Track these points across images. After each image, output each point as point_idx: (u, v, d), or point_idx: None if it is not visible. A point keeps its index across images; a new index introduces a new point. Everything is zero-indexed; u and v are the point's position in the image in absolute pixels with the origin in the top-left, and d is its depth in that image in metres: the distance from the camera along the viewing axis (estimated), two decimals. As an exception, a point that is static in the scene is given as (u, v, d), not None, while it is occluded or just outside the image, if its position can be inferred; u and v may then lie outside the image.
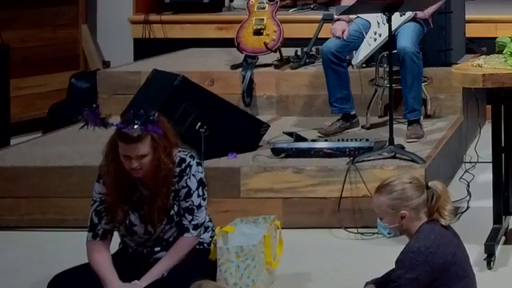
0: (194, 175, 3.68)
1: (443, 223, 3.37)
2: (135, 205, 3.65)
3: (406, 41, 5.45)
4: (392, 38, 5.25)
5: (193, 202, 3.68)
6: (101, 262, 3.60)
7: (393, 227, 3.37)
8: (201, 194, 3.70)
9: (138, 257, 3.71)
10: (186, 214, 3.67)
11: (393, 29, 5.23)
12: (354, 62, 5.65)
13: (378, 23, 5.56)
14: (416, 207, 3.35)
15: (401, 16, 5.52)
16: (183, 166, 3.68)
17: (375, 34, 5.55)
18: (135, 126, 3.52)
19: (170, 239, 3.69)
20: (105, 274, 3.56)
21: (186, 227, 3.68)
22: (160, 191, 3.60)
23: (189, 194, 3.67)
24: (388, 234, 3.41)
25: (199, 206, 3.69)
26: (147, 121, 3.53)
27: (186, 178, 3.67)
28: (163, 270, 3.61)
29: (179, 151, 3.71)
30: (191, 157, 3.72)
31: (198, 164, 3.73)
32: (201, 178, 3.71)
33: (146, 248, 3.70)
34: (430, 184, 3.40)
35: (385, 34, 5.42)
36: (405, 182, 3.38)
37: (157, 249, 3.70)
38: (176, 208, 3.67)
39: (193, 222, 3.68)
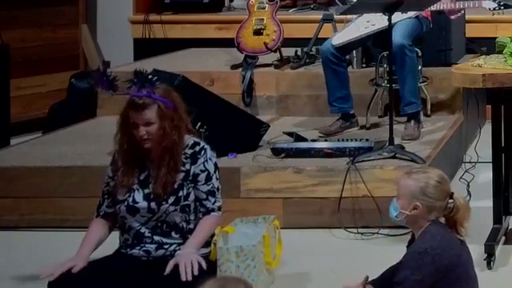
0: (210, 159, 3.74)
1: (458, 237, 3.37)
2: (142, 183, 3.68)
3: (398, 35, 5.41)
4: (391, 37, 5.24)
5: (213, 184, 3.73)
6: (88, 233, 3.66)
7: (403, 212, 3.36)
8: (218, 177, 3.77)
9: (138, 246, 3.69)
10: (209, 197, 3.71)
11: (387, 24, 5.18)
12: (334, 41, 5.55)
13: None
14: (430, 207, 3.32)
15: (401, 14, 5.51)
16: (197, 148, 3.73)
17: (368, 22, 5.52)
18: (143, 93, 3.61)
19: (171, 224, 3.67)
20: (81, 245, 3.61)
21: (212, 209, 3.71)
22: (164, 160, 3.63)
23: (209, 177, 3.72)
24: (396, 216, 3.39)
25: (219, 189, 3.76)
26: (149, 83, 3.63)
27: (203, 161, 3.72)
28: (201, 240, 3.65)
29: (193, 137, 3.79)
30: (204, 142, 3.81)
31: (211, 149, 3.80)
32: (215, 162, 3.78)
33: (147, 230, 3.66)
34: (454, 195, 3.39)
35: (378, 24, 5.40)
36: (433, 179, 3.34)
37: (156, 238, 3.66)
38: (185, 191, 3.67)
39: (216, 204, 3.72)
